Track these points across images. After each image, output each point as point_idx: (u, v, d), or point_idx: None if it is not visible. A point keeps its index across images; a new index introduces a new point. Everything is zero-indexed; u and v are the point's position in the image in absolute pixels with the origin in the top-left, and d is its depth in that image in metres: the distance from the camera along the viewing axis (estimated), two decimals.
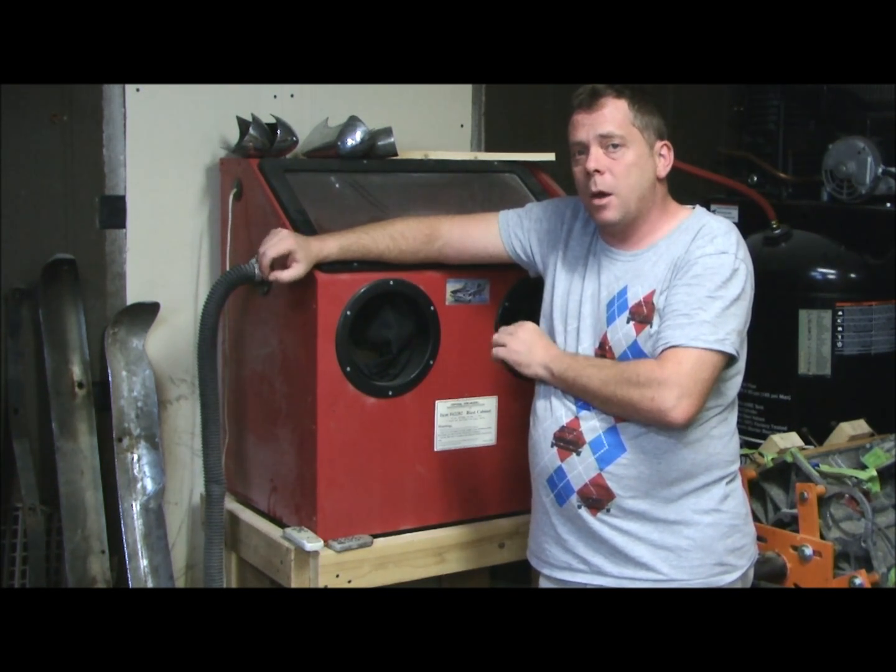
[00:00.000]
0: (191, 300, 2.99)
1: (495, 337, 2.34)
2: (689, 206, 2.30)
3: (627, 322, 2.21)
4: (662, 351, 2.11)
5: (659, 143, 2.24)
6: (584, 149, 2.22)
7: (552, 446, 2.25)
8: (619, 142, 2.19)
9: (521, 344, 2.29)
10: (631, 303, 2.21)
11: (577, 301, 2.30)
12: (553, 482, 2.26)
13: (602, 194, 2.20)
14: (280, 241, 2.45)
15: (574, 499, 2.23)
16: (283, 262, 2.45)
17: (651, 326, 2.17)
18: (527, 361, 2.28)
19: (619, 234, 2.27)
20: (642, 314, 2.19)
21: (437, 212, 2.66)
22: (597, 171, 2.20)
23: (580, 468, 2.21)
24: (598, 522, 2.22)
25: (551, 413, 2.26)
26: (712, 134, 3.94)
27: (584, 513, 2.22)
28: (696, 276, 2.14)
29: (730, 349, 2.12)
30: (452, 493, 2.70)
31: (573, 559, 2.27)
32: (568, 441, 2.23)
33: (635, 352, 2.18)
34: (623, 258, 2.27)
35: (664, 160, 2.26)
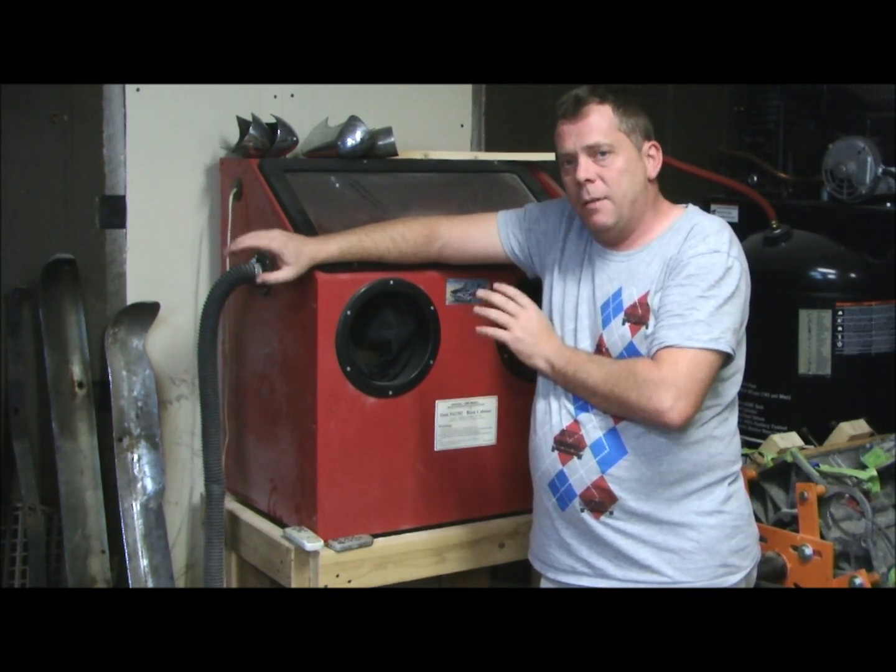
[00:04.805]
0: (191, 300, 2.99)
1: (494, 314, 2.20)
2: (682, 206, 2.29)
3: (623, 323, 2.20)
4: (657, 351, 2.10)
5: (647, 145, 2.23)
6: (573, 159, 2.21)
7: (553, 450, 2.24)
8: (607, 149, 2.18)
9: (526, 333, 2.20)
10: (626, 304, 2.21)
11: (573, 303, 2.29)
12: (555, 486, 2.25)
13: (595, 200, 2.19)
14: (270, 238, 2.45)
15: (576, 502, 2.22)
16: (275, 261, 2.45)
17: (647, 328, 2.16)
18: (529, 352, 2.20)
19: (612, 238, 2.26)
20: (637, 315, 2.18)
21: (437, 212, 2.66)
22: (588, 180, 2.18)
23: (582, 472, 2.20)
24: (601, 526, 2.21)
25: (550, 417, 2.25)
26: (712, 134, 3.94)
27: (586, 516, 2.22)
28: (689, 275, 2.13)
29: (725, 348, 2.11)
30: (452, 492, 2.70)
31: (577, 562, 2.26)
32: (569, 445, 2.22)
33: (632, 353, 2.18)
34: (617, 259, 2.26)
35: (653, 161, 2.24)
